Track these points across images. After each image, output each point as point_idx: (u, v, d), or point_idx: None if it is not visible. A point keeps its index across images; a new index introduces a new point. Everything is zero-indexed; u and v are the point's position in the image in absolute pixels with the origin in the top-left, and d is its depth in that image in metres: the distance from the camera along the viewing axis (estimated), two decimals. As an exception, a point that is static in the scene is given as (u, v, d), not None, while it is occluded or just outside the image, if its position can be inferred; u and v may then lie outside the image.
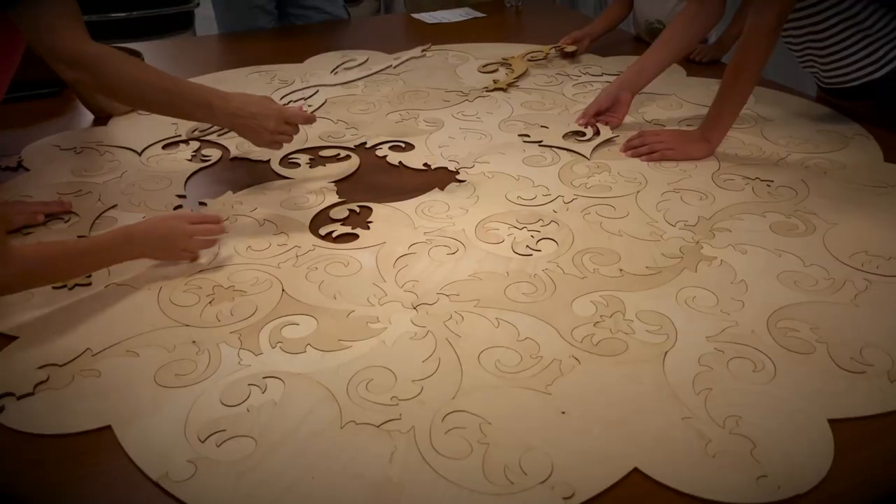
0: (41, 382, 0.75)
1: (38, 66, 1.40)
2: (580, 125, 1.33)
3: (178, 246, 0.93)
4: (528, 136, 1.31)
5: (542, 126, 1.35)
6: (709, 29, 1.38)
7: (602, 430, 0.70)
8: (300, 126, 1.11)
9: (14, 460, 0.68)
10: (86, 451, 0.69)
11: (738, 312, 0.86)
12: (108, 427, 0.71)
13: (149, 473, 0.66)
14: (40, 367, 0.77)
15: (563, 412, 0.72)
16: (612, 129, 1.32)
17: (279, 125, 1.07)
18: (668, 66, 1.37)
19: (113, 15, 2.68)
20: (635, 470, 0.66)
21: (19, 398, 0.74)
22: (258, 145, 1.09)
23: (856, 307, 0.87)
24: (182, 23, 2.83)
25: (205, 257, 0.96)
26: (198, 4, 2.86)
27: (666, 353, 0.80)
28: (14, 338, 0.82)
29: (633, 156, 1.24)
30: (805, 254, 0.96)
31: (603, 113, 1.35)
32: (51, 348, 0.80)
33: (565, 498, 0.63)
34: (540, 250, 0.98)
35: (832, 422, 0.71)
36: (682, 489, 0.64)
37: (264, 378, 0.76)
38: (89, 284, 0.91)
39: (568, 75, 1.62)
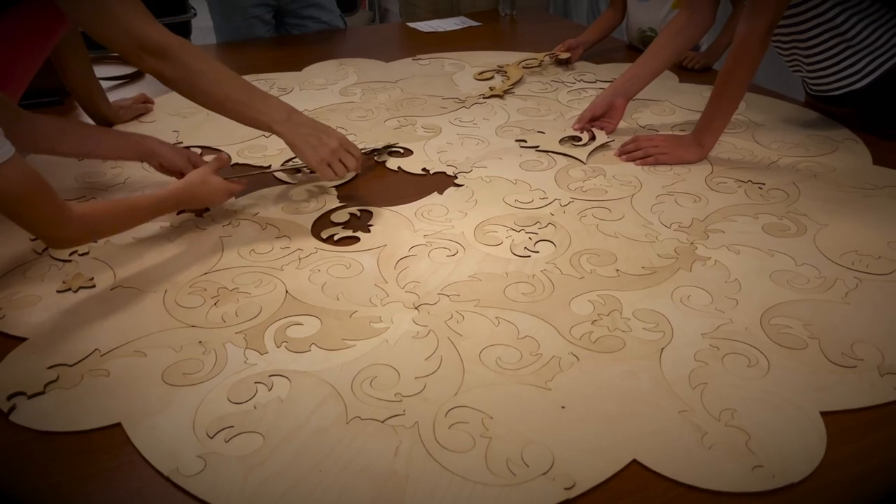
0: (51, 382, 0.77)
1: (40, 75, 1.43)
2: (576, 130, 1.36)
3: (209, 191, 1.03)
4: (524, 140, 1.34)
5: (538, 132, 1.37)
6: (700, 36, 1.40)
7: (601, 423, 0.72)
8: (348, 167, 1.09)
9: (26, 457, 0.69)
10: (96, 448, 0.70)
11: (732, 310, 0.88)
12: (118, 424, 0.72)
13: (160, 468, 0.67)
14: (50, 367, 0.79)
15: (563, 407, 0.74)
16: (608, 134, 1.34)
17: (340, 150, 1.07)
18: (661, 72, 1.40)
19: (110, 25, 2.70)
20: (634, 461, 0.68)
21: (30, 397, 0.75)
22: (313, 162, 1.06)
23: (847, 305, 0.89)
24: (179, 33, 2.84)
25: (209, 260, 0.98)
26: (195, 15, 2.89)
27: (662, 349, 0.82)
28: (23, 339, 0.84)
29: (628, 160, 1.26)
30: (797, 254, 0.99)
31: (598, 118, 1.37)
32: (60, 349, 0.82)
33: (566, 488, 0.65)
34: (538, 252, 1.00)
35: (824, 414, 0.73)
36: (680, 479, 0.66)
37: (270, 376, 0.78)
38: (93, 286, 0.93)
39: (563, 82, 1.65)
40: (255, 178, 1.21)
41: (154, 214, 0.98)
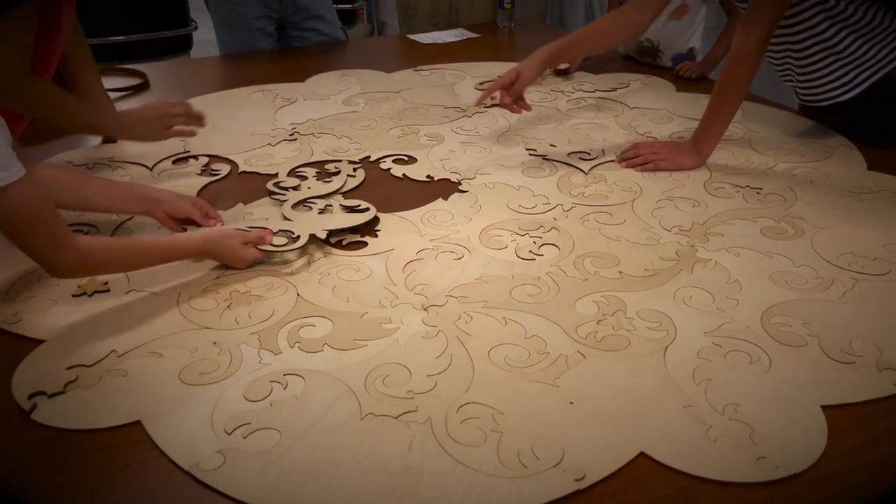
0: (70, 382, 0.79)
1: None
2: (478, 106, 1.34)
3: (236, 258, 0.99)
4: (534, 150, 1.36)
5: (551, 145, 1.38)
6: (633, 38, 1.41)
7: (609, 418, 0.74)
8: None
9: (48, 454, 0.71)
10: (116, 445, 0.72)
11: (734, 310, 0.90)
12: (137, 422, 0.74)
13: (180, 463, 0.69)
14: (69, 368, 0.81)
15: (571, 403, 0.76)
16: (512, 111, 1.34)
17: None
18: (584, 57, 1.38)
19: (112, 39, 2.74)
20: (641, 454, 0.70)
21: (50, 396, 0.77)
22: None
23: (844, 304, 0.91)
24: (180, 46, 2.88)
25: (220, 265, 1.00)
26: (196, 28, 2.92)
27: (666, 347, 0.84)
28: (41, 341, 0.85)
29: (628, 167, 1.29)
30: (795, 255, 1.01)
31: (508, 88, 1.32)
32: (77, 351, 0.83)
33: (577, 480, 0.67)
34: (542, 255, 1.03)
35: (825, 408, 0.75)
36: (687, 470, 0.68)
37: (285, 375, 0.80)
38: (108, 290, 0.95)
39: (562, 91, 1.68)
40: (263, 185, 1.23)
41: (167, 261, 0.96)
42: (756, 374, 0.80)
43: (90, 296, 0.94)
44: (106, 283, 0.96)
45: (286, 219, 1.09)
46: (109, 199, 1.06)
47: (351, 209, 1.12)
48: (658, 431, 0.72)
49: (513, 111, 1.35)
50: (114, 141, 1.40)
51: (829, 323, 0.88)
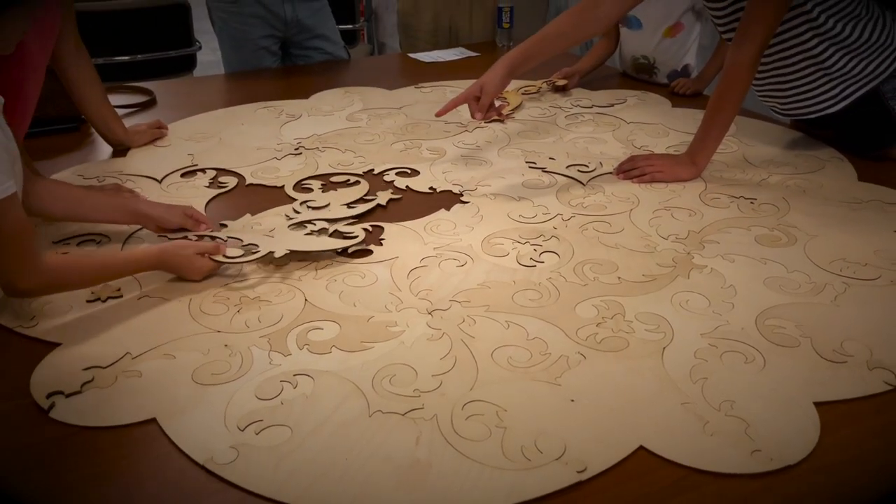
0: (87, 382, 0.81)
1: (55, 103, 1.49)
2: (440, 116, 1.34)
3: (191, 269, 1.00)
4: (534, 162, 1.40)
5: (550, 158, 1.42)
6: (599, 31, 1.39)
7: (609, 415, 0.77)
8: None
9: (67, 449, 0.73)
10: (133, 441, 0.74)
11: (729, 313, 0.93)
12: (153, 420, 0.76)
13: (195, 458, 0.71)
14: (85, 369, 0.83)
15: (572, 400, 0.78)
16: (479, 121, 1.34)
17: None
18: (554, 56, 1.38)
19: (117, 58, 2.79)
20: (641, 448, 0.73)
21: (68, 396, 0.79)
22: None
23: (836, 307, 0.94)
24: (184, 66, 2.93)
25: (230, 272, 1.03)
26: (199, 48, 2.97)
27: (664, 348, 0.87)
28: (57, 344, 0.88)
29: (626, 178, 1.32)
30: (788, 262, 1.04)
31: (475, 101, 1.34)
32: (93, 353, 0.86)
33: (579, 472, 0.69)
34: (543, 262, 1.05)
35: (818, 405, 0.78)
36: (685, 462, 0.71)
37: (295, 375, 0.82)
38: (121, 296, 0.97)
39: (560, 107, 1.72)
40: (270, 196, 1.26)
41: (126, 274, 0.98)
42: (751, 373, 0.83)
43: (103, 301, 0.96)
44: (119, 290, 0.98)
45: (268, 234, 1.11)
46: (102, 213, 1.10)
47: (343, 235, 1.12)
48: (657, 427, 0.75)
49: (487, 121, 1.35)
50: (123, 154, 1.44)
51: (822, 325, 0.90)
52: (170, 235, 1.10)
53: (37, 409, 0.78)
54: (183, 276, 1.01)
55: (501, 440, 0.73)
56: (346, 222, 1.16)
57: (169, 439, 0.74)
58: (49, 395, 0.79)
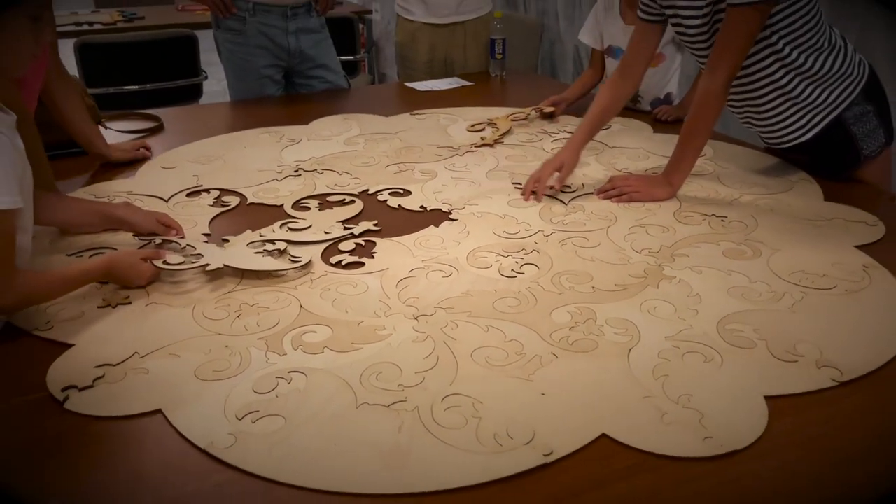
0: (98, 378, 0.89)
1: (60, 130, 1.58)
2: (525, 199, 1.42)
3: (135, 273, 1.08)
4: (519, 183, 1.48)
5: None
6: (625, 101, 1.56)
7: (576, 407, 0.84)
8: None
9: (81, 437, 0.81)
10: (140, 429, 0.82)
11: (693, 318, 1.00)
12: (158, 411, 0.84)
13: (197, 443, 0.78)
14: (97, 367, 0.90)
15: (543, 394, 0.86)
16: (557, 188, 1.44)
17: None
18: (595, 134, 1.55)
19: (127, 88, 2.90)
20: (604, 435, 0.79)
21: (81, 390, 0.87)
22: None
23: (793, 313, 1.02)
24: (190, 95, 3.05)
25: (230, 282, 1.10)
26: (206, 78, 3.09)
27: (630, 350, 0.94)
28: (70, 345, 0.95)
29: (605, 198, 1.40)
30: (752, 273, 1.12)
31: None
32: (103, 353, 0.93)
33: (545, 455, 0.76)
34: (523, 273, 1.13)
35: (768, 398, 0.85)
36: (643, 448, 0.77)
37: (289, 372, 0.90)
38: (129, 303, 1.05)
39: (547, 133, 1.81)
40: (270, 214, 1.34)
41: (80, 285, 1.05)
42: (709, 371, 0.90)
43: (114, 307, 1.04)
44: (128, 297, 1.06)
45: (224, 240, 1.21)
46: (80, 217, 1.22)
47: (292, 258, 1.17)
48: (619, 417, 0.82)
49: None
50: (132, 174, 1.53)
51: (778, 329, 0.98)
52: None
53: (53, 402, 0.85)
54: (129, 281, 1.08)
55: (476, 428, 0.80)
56: (296, 246, 1.21)
57: (173, 427, 0.81)
58: (63, 390, 0.86)
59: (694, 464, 0.76)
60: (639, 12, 1.49)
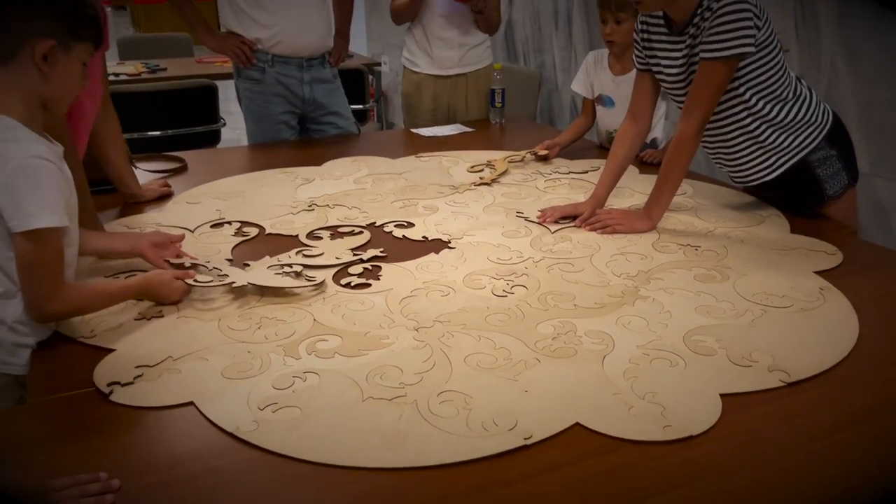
0: (138, 376, 1.01)
1: (92, 169, 1.73)
2: (546, 223, 1.59)
3: (168, 290, 1.21)
4: (522, 211, 1.63)
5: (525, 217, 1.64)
6: (643, 139, 1.71)
7: (554, 401, 0.96)
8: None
9: (123, 423, 0.93)
10: (175, 417, 0.94)
11: (663, 331, 1.13)
12: (190, 402, 0.96)
13: (224, 427, 0.91)
14: (136, 367, 1.03)
15: (526, 391, 0.98)
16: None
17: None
18: (620, 177, 1.69)
19: (150, 133, 3.09)
20: (577, 424, 0.92)
21: (123, 385, 0.99)
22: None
23: (752, 327, 1.14)
24: (209, 140, 3.23)
25: (252, 299, 1.24)
26: (224, 124, 3.27)
27: (605, 356, 1.06)
28: (112, 350, 1.09)
29: (590, 230, 1.54)
30: (718, 294, 1.25)
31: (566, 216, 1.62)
32: (141, 356, 1.06)
33: (525, 438, 0.88)
34: (513, 293, 1.26)
35: (723, 395, 0.97)
36: (611, 434, 0.90)
37: (304, 373, 1.02)
38: (162, 316, 1.18)
39: (541, 173, 1.96)
40: (287, 243, 1.48)
41: (120, 300, 1.17)
42: (674, 373, 1.02)
43: (148, 319, 1.17)
44: (161, 311, 1.19)
45: (245, 265, 1.34)
46: (101, 243, 1.35)
47: (307, 278, 1.30)
48: (591, 409, 0.94)
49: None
50: (159, 208, 1.68)
51: (737, 340, 1.10)
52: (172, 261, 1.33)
53: (99, 395, 0.98)
54: (163, 298, 1.20)
55: (466, 417, 0.92)
56: (310, 270, 1.35)
57: (203, 416, 0.94)
58: (108, 385, 0.99)
59: (654, 447, 0.88)
60: (633, 59, 1.66)
